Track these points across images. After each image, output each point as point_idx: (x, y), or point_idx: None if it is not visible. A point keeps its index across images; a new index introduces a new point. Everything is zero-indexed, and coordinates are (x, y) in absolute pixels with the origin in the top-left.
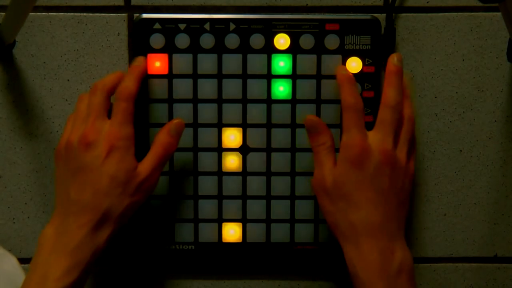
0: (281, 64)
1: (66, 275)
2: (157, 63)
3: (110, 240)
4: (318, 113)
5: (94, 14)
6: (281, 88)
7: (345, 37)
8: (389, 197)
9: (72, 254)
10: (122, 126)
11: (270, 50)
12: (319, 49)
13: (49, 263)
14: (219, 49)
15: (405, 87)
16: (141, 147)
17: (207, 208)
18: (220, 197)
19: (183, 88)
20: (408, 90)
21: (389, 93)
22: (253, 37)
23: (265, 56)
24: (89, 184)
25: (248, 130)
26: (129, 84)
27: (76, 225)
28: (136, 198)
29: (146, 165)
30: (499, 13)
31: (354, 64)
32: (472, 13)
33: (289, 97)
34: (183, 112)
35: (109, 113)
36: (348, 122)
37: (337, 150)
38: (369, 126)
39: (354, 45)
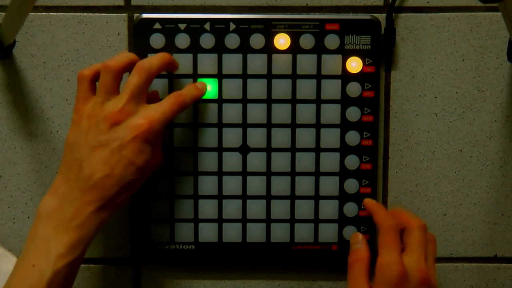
0: (209, 88)
1: (70, 252)
2: None
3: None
4: (318, 113)
5: (94, 14)
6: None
7: (345, 37)
8: None
9: (77, 230)
10: (163, 115)
11: (270, 50)
12: (319, 49)
13: (52, 237)
14: (219, 49)
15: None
16: None
17: (207, 208)
18: (220, 197)
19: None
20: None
21: (410, 219)
22: (253, 37)
23: (265, 56)
24: (105, 164)
25: (248, 130)
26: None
27: (83, 202)
28: (145, 178)
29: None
30: (499, 13)
31: (354, 64)
32: (472, 13)
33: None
34: (183, 112)
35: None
36: (385, 243)
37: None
38: (370, 125)
39: (354, 45)
